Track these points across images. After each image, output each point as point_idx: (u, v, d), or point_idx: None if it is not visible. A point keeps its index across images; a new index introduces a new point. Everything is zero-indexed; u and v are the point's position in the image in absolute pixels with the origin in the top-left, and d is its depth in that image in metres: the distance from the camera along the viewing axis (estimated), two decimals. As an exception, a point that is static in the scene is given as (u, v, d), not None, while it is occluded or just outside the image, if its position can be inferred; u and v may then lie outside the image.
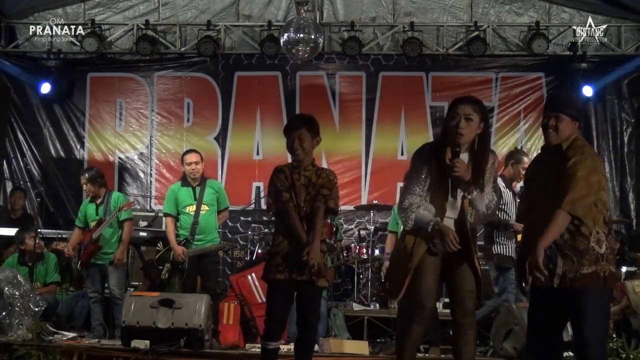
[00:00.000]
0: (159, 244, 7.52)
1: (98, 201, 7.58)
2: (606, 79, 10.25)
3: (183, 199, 7.11)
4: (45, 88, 10.50)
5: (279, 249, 4.58)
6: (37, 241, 7.86)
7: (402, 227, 4.46)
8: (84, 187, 7.77)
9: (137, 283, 8.52)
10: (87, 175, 7.65)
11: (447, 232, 4.17)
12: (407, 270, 4.19)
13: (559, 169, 4.00)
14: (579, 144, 4.07)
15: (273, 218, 7.75)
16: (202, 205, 7.04)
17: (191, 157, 7.16)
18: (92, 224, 7.53)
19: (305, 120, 4.70)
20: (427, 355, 6.70)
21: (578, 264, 3.92)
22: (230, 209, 7.70)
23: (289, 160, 4.81)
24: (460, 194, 4.25)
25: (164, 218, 7.54)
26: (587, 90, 10.11)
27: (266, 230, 9.20)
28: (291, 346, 5.35)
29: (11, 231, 8.45)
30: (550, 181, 4.03)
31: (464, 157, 4.26)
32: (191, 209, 7.07)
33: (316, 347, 5.87)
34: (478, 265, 4.32)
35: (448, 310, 4.56)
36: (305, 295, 4.59)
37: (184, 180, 7.20)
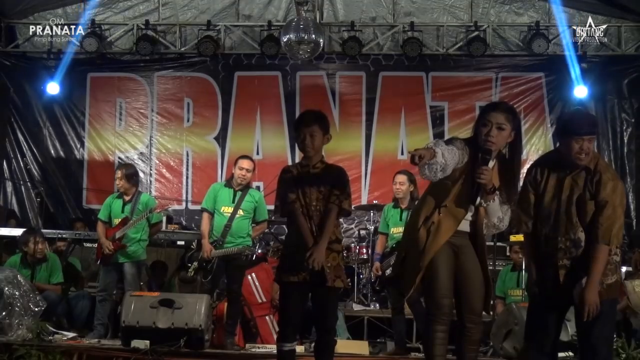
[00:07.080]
0: (193, 244, 7.53)
1: (127, 199, 7.49)
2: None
3: (222, 198, 7.02)
4: (54, 89, 10.53)
5: (292, 251, 4.44)
6: (40, 246, 7.79)
7: (414, 223, 4.25)
8: (117, 182, 7.66)
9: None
10: (124, 171, 7.54)
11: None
12: (419, 268, 4.09)
13: (588, 189, 3.97)
14: (604, 164, 4.05)
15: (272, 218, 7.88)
16: (239, 210, 7.00)
17: (244, 163, 7.07)
18: (116, 221, 7.42)
19: (318, 117, 4.54)
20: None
21: (603, 275, 3.94)
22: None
23: (289, 161, 4.76)
24: (479, 200, 4.12)
25: (202, 213, 7.40)
26: (581, 91, 10.13)
27: (266, 230, 9.17)
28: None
29: (12, 231, 8.44)
30: (573, 198, 3.98)
31: (492, 163, 4.10)
32: (227, 209, 6.98)
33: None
34: (488, 270, 4.27)
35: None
36: (322, 297, 4.46)
37: (229, 182, 7.15)
